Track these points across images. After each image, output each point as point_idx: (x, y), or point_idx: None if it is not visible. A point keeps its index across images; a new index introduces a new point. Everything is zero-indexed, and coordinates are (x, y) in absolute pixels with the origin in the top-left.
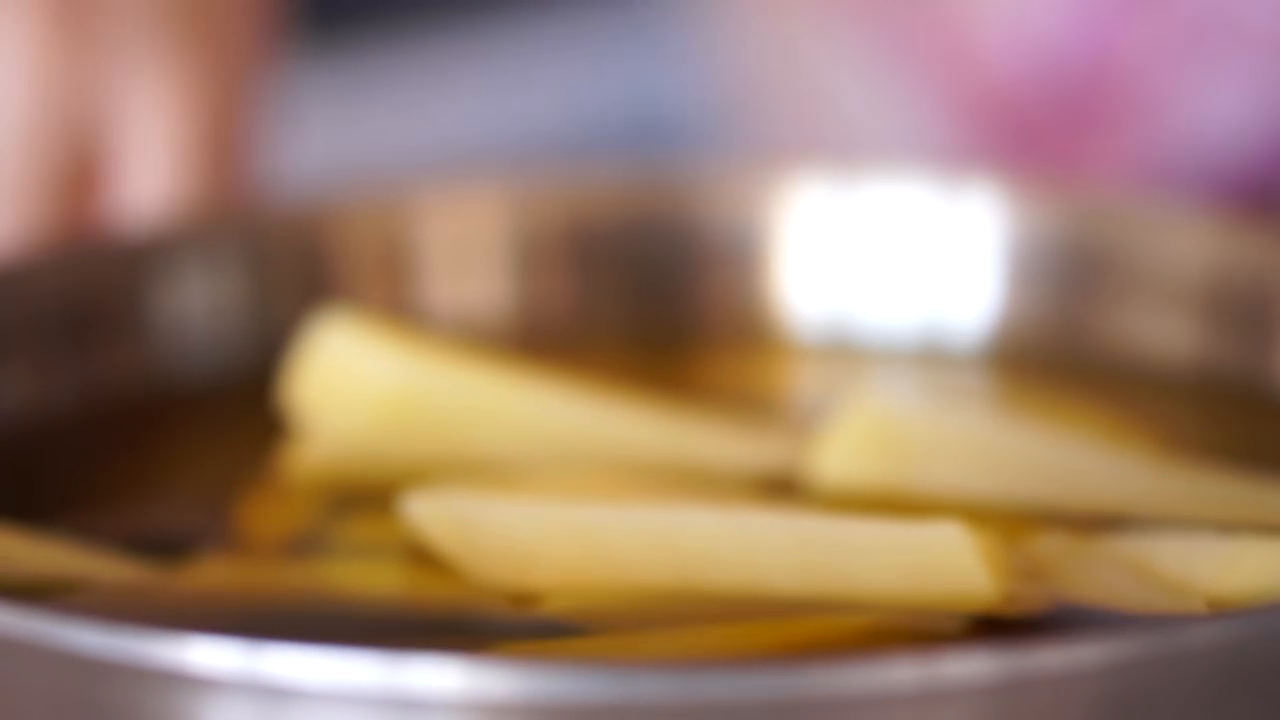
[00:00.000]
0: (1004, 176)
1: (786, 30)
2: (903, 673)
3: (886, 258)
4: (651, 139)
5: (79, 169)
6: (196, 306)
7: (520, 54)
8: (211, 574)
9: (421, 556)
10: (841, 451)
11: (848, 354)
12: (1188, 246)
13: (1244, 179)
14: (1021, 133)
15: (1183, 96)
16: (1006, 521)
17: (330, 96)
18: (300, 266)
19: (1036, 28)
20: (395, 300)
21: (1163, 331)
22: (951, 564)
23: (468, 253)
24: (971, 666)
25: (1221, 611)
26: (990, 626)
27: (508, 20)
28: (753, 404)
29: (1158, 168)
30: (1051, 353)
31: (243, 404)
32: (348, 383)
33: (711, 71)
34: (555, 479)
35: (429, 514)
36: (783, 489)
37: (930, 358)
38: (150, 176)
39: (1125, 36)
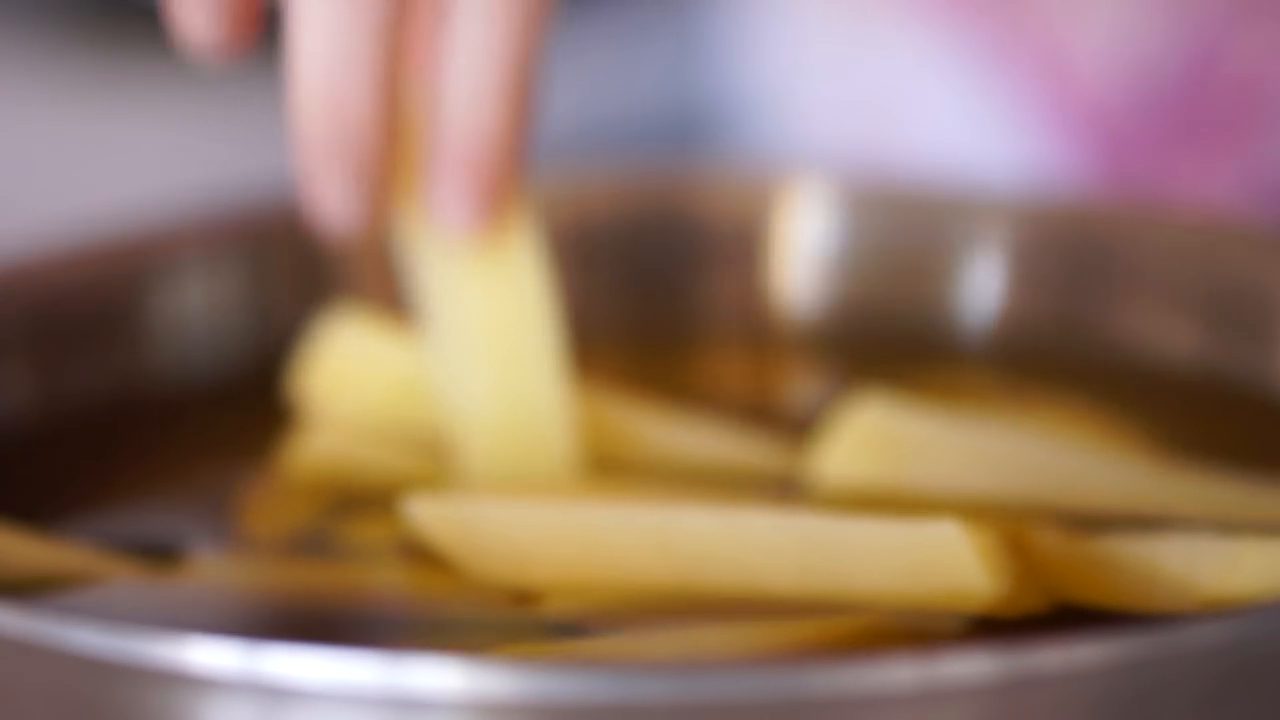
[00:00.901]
0: (1004, 176)
1: (853, 30)
2: (903, 673)
3: (887, 257)
4: (677, 139)
5: None
6: (196, 306)
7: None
8: (211, 574)
9: (422, 557)
10: (841, 451)
11: (848, 353)
12: (1188, 247)
13: None
14: (1120, 147)
15: None
16: (1005, 521)
17: None
18: (300, 266)
19: (1136, 37)
20: (395, 300)
21: (1163, 331)
22: (949, 563)
23: None
24: (971, 666)
25: (1222, 611)
26: (990, 626)
27: None
28: (753, 403)
29: (1264, 184)
30: (1052, 353)
31: (243, 404)
32: (358, 370)
33: (751, 68)
34: (555, 479)
35: (430, 515)
36: (783, 489)
37: (931, 357)
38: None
39: (1231, 46)
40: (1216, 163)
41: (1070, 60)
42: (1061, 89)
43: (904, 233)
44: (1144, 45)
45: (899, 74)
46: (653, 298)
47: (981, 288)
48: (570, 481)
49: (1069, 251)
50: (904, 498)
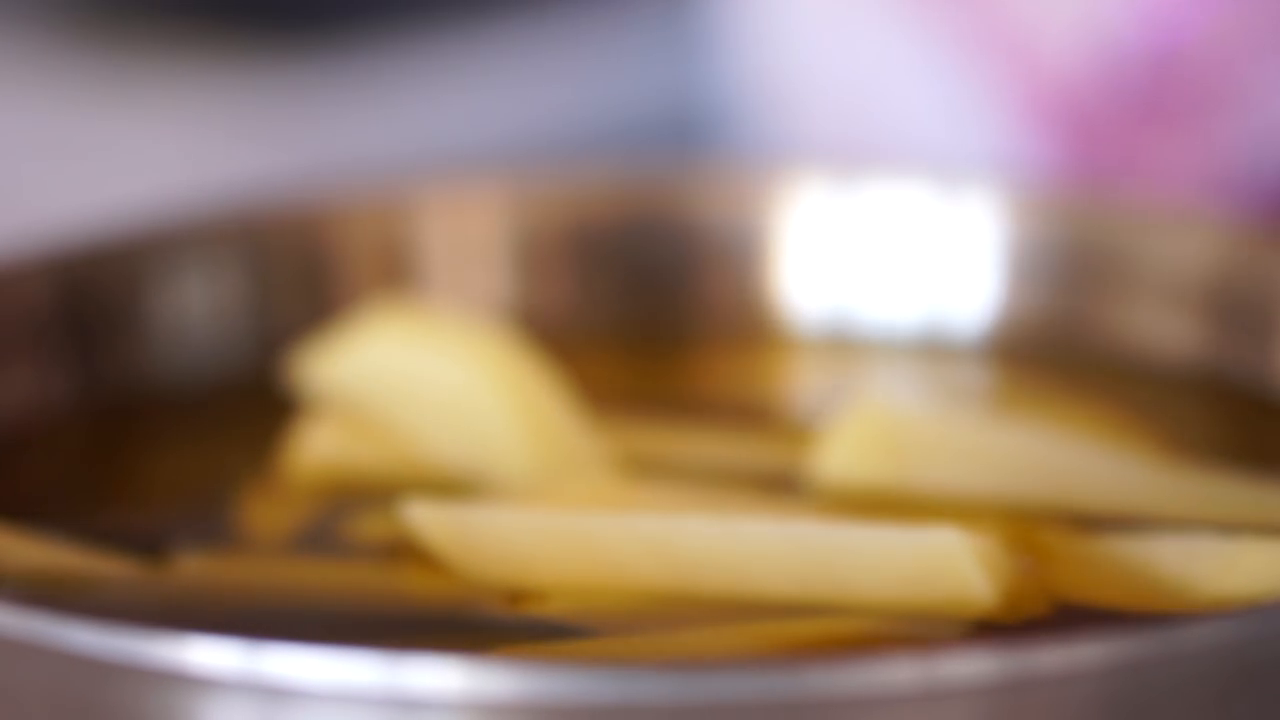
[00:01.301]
0: (1004, 176)
1: (833, 22)
2: (903, 673)
3: (887, 256)
4: (672, 139)
5: None
6: (196, 306)
7: (527, 51)
8: (211, 573)
9: (422, 556)
10: (843, 451)
11: (849, 353)
12: (1189, 245)
13: None
14: (1086, 131)
15: (1262, 93)
16: (1007, 522)
17: (330, 96)
18: (300, 266)
19: (1102, 18)
20: (395, 300)
21: (1164, 330)
22: (950, 571)
23: (468, 253)
24: (972, 666)
25: (1223, 612)
26: (990, 627)
27: (514, 17)
28: (753, 403)
29: (1232, 169)
30: (1053, 352)
31: (243, 404)
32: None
33: (741, 65)
34: (554, 481)
35: (427, 520)
36: (784, 489)
37: (931, 357)
38: None
39: (1200, 28)
40: (1183, 147)
41: (1035, 43)
42: (1027, 73)
43: (905, 230)
44: (1110, 28)
45: (877, 69)
46: (650, 298)
47: (980, 287)
48: (570, 484)
49: (1069, 251)
50: (906, 498)
